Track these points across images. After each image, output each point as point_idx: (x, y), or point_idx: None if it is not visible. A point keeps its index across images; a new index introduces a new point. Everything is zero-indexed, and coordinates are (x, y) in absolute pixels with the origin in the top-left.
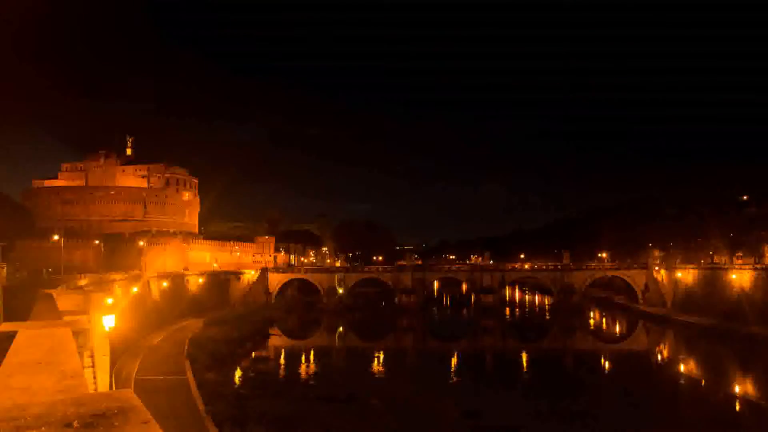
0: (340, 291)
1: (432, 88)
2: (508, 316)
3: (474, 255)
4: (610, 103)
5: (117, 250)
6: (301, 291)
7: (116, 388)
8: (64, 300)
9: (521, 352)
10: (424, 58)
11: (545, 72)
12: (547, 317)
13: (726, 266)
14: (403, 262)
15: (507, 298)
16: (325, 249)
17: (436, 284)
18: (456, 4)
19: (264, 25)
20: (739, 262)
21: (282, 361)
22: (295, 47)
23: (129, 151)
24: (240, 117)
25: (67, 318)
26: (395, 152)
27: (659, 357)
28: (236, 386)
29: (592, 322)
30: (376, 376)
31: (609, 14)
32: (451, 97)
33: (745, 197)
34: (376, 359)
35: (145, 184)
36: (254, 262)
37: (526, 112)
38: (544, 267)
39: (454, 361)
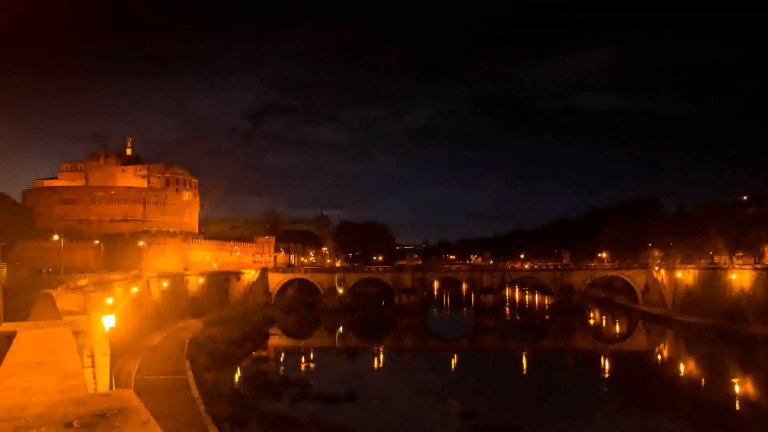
0: (340, 291)
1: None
2: (508, 316)
3: (474, 255)
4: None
5: (117, 250)
6: (301, 291)
7: (116, 388)
8: (64, 300)
9: (521, 352)
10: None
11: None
12: (547, 317)
13: (726, 266)
14: (403, 262)
15: (507, 298)
16: (325, 249)
17: (436, 284)
18: None
19: None
20: (739, 262)
21: (282, 361)
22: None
23: (129, 151)
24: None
25: (67, 318)
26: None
27: (659, 357)
28: (236, 386)
29: (592, 322)
30: (376, 376)
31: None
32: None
33: (745, 197)
34: (376, 359)
35: (145, 185)
36: (254, 262)
37: (526, 111)
38: (544, 267)
39: (454, 361)
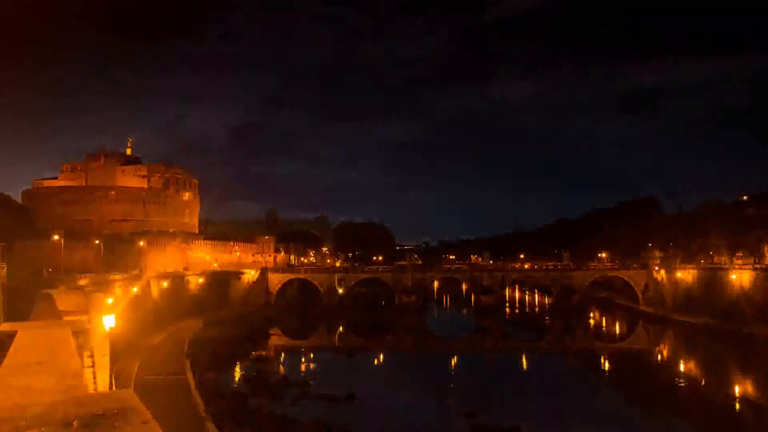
0: (340, 291)
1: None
2: (508, 316)
3: (474, 255)
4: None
5: (117, 250)
6: (301, 291)
7: (116, 388)
8: (64, 300)
9: (521, 352)
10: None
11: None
12: (547, 317)
13: (726, 266)
14: (403, 262)
15: (507, 298)
16: (325, 249)
17: (436, 284)
18: None
19: None
20: (739, 262)
21: (282, 361)
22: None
23: (129, 151)
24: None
25: (67, 318)
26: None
27: (659, 357)
28: (236, 386)
29: (592, 322)
30: (376, 376)
31: None
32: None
33: (745, 197)
34: (376, 359)
35: (145, 185)
36: (254, 262)
37: (526, 111)
38: (544, 267)
39: (454, 361)
